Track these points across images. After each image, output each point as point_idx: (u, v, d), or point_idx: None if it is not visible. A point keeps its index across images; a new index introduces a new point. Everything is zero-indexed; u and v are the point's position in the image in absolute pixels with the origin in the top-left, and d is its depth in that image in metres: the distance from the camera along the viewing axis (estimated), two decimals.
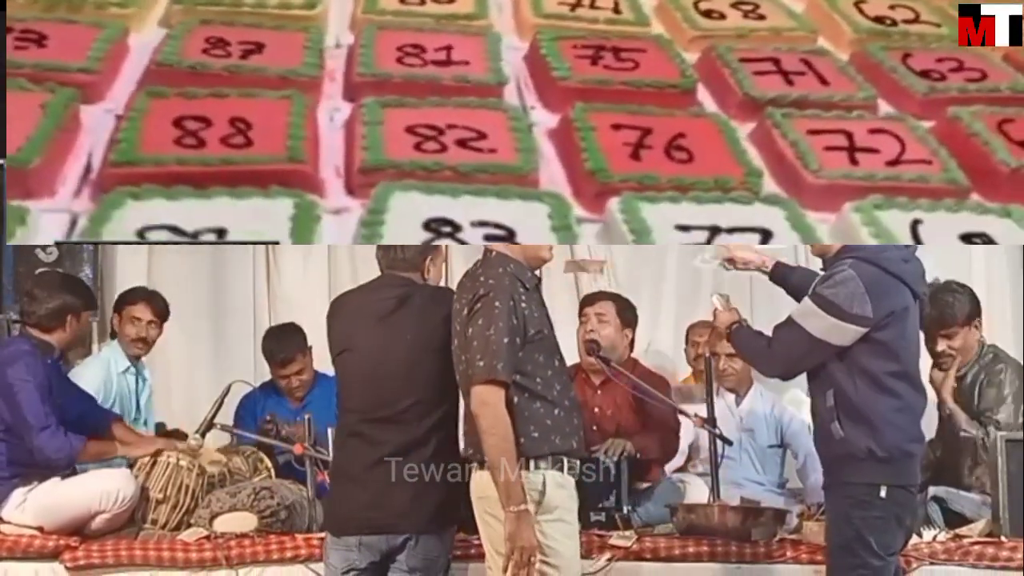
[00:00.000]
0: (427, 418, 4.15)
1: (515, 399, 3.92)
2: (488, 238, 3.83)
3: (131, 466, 5.12)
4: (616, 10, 5.55)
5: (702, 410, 5.13)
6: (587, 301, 5.79)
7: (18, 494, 4.98)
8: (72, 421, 5.07)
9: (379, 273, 4.34)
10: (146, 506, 4.99)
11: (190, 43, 4.84)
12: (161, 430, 5.86)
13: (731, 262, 4.63)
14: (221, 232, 3.71)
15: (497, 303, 3.91)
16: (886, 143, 4.58)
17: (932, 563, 4.68)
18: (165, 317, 5.91)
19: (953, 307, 5.24)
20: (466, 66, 4.90)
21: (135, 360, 5.88)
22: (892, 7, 5.75)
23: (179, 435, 5.38)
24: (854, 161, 4.45)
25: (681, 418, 5.44)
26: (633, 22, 5.49)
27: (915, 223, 4.08)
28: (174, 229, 3.70)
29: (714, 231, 3.95)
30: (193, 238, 3.67)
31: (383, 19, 5.27)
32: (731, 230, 3.97)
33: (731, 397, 5.95)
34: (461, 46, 5.06)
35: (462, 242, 3.79)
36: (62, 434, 4.95)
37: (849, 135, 4.59)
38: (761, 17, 5.58)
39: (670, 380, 6.22)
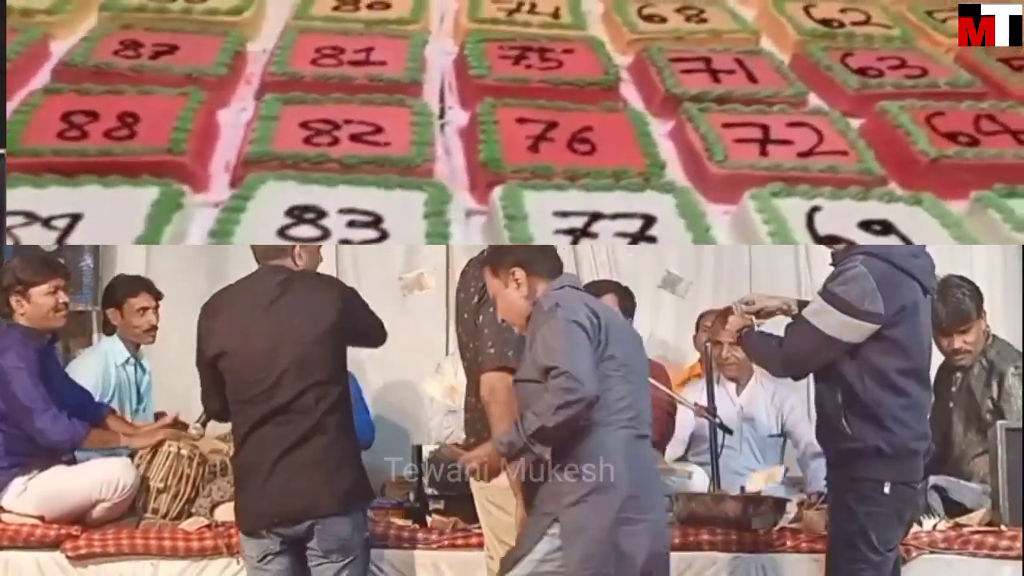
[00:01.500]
0: (323, 401, 4.15)
1: None
2: (352, 224, 3.71)
3: (132, 455, 5.03)
4: (555, 15, 5.43)
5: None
6: (590, 292, 5.62)
7: (18, 483, 4.90)
8: (72, 410, 4.99)
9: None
10: (147, 495, 4.91)
11: (104, 45, 4.80)
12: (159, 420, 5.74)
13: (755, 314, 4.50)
14: (76, 217, 3.63)
15: None
16: (803, 136, 4.41)
17: (932, 552, 4.61)
18: (161, 297, 5.83)
19: (966, 302, 5.14)
20: (382, 66, 4.81)
21: (136, 350, 5.81)
22: (843, 10, 5.59)
23: (179, 424, 5.27)
24: (764, 153, 4.29)
25: (680, 407, 5.36)
26: (570, 25, 5.36)
27: (812, 210, 3.92)
28: (28, 215, 3.63)
29: (595, 217, 3.81)
30: (45, 223, 3.60)
31: (311, 24, 5.20)
32: (614, 216, 3.83)
33: (732, 386, 5.86)
34: (382, 48, 4.98)
35: (323, 228, 3.67)
36: (65, 417, 4.89)
37: (765, 128, 4.43)
38: (703, 21, 5.44)
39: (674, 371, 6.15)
